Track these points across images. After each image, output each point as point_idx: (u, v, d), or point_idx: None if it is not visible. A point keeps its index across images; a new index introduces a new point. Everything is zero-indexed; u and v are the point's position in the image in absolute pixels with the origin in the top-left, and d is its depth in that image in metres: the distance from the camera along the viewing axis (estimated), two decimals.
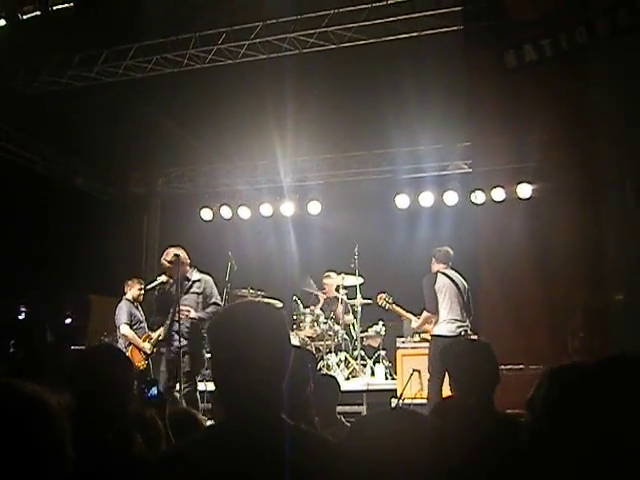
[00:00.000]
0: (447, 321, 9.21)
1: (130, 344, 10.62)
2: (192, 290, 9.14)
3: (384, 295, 10.41)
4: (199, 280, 9.20)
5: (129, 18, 9.82)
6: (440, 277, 9.40)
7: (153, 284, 9.45)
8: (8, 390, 1.70)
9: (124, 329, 10.58)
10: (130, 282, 11.06)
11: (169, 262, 9.00)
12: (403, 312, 10.28)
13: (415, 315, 9.97)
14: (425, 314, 9.51)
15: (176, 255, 8.99)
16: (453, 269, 9.56)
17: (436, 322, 9.31)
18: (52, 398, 1.75)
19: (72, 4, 8.71)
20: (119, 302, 10.95)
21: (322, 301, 12.60)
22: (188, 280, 9.15)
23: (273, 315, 2.40)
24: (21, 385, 1.72)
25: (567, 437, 2.27)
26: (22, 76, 11.54)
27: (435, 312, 9.30)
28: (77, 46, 11.05)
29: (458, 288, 9.37)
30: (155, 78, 11.43)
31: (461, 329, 9.16)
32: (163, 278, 9.18)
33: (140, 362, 10.47)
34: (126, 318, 10.67)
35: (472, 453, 2.37)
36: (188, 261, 9.21)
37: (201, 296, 9.14)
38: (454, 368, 4.24)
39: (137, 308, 10.99)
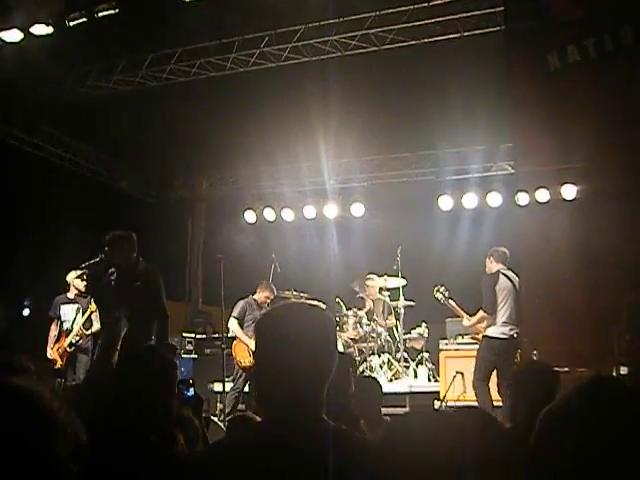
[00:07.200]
0: (501, 323, 9.00)
1: (235, 338, 10.74)
2: None
3: (442, 288, 10.14)
4: None
5: (172, 23, 9.94)
6: (502, 278, 9.16)
7: None
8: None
9: (230, 323, 10.72)
10: (265, 285, 11.04)
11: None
12: (457, 308, 9.99)
13: (468, 314, 9.78)
14: (481, 314, 9.27)
15: None
16: (510, 269, 9.36)
17: (490, 323, 9.12)
18: (46, 391, 1.59)
19: (117, 10, 8.83)
20: (243, 298, 11.11)
21: (368, 306, 12.38)
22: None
23: (320, 317, 2.38)
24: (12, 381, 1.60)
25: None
26: (69, 82, 11.75)
27: (492, 313, 9.07)
28: (122, 51, 11.22)
29: (516, 290, 9.15)
30: (199, 82, 11.56)
31: (513, 332, 8.96)
32: None
33: (244, 358, 10.48)
34: (237, 314, 10.81)
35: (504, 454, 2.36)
36: None
37: None
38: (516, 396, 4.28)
39: (260, 310, 10.78)
